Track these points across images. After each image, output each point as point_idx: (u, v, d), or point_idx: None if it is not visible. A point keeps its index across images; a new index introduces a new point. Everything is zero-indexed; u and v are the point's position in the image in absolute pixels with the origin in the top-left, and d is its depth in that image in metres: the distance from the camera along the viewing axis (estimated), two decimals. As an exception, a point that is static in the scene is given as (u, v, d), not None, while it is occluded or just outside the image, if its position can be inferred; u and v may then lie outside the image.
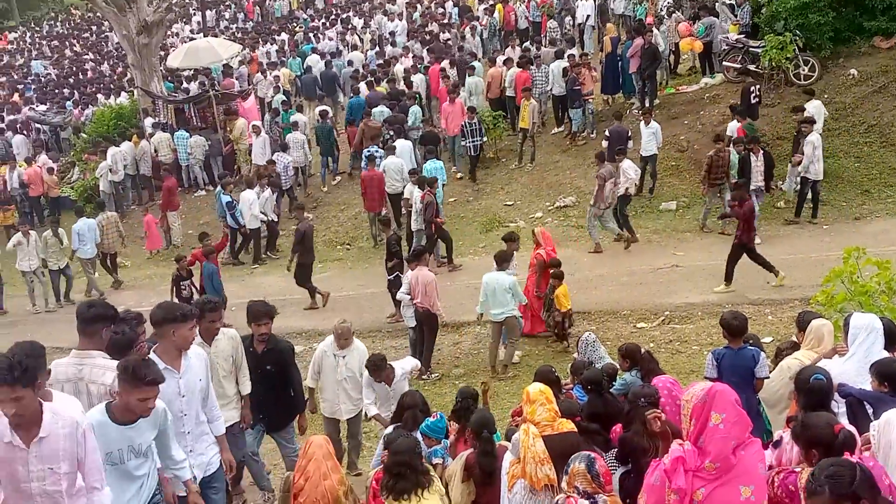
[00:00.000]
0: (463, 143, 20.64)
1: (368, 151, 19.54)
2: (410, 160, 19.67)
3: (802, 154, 16.06)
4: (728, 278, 14.17)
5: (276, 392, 8.60)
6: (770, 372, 7.81)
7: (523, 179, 20.51)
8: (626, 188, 16.82)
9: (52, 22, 53.88)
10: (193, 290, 15.42)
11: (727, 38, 20.50)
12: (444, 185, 18.96)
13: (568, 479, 5.15)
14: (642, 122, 18.28)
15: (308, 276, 16.52)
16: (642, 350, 9.07)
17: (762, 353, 8.07)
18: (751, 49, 19.92)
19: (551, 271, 13.41)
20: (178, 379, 6.39)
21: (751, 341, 8.28)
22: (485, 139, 20.76)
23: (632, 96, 21.45)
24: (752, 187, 15.62)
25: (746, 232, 13.95)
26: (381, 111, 21.60)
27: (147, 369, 5.47)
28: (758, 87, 18.88)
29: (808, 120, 16.55)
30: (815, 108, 17.44)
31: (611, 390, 8.32)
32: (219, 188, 19.83)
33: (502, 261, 13.01)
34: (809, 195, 16.66)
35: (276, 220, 19.76)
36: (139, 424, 5.59)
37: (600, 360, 9.52)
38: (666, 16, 22.44)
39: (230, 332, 7.85)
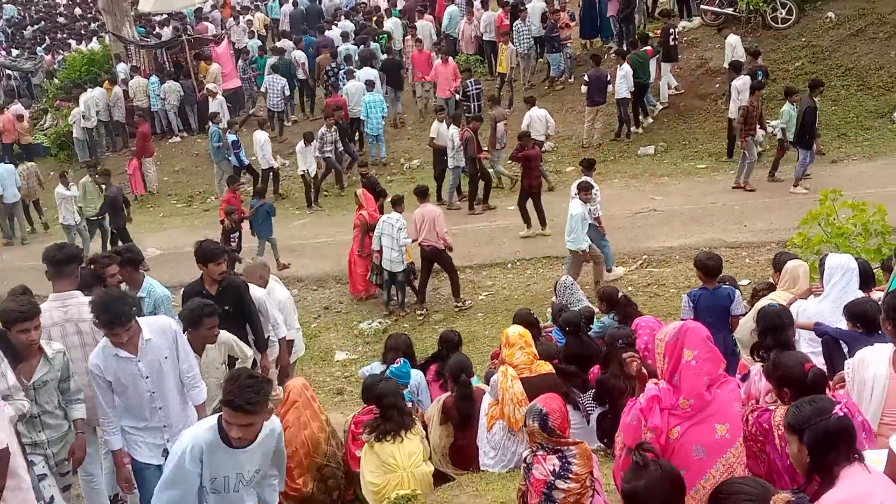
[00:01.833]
0: (466, 104, 19.50)
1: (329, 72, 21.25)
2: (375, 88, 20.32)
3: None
4: (527, 221, 15.23)
5: (238, 333, 7.48)
6: (747, 312, 7.90)
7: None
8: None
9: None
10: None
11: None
12: (383, 116, 19.92)
13: (528, 438, 5.19)
14: (617, 66, 18.21)
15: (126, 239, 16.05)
16: (620, 294, 9.14)
17: (737, 291, 8.16)
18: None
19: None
20: (137, 362, 5.83)
21: (727, 282, 8.36)
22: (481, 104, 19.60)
23: (610, 40, 21.32)
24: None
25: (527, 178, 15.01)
26: (347, 48, 22.13)
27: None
28: (675, 29, 19.14)
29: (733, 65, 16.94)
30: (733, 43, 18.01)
31: (588, 332, 8.39)
32: (214, 127, 19.19)
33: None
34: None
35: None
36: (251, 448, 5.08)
37: (578, 303, 9.59)
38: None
39: (221, 336, 6.93)
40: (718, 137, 17.79)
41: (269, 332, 7.98)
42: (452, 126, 16.71)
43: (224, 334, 6.98)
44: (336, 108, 19.26)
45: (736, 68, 16.80)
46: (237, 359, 7.00)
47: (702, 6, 20.51)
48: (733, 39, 18.23)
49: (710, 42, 19.87)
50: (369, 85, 19.84)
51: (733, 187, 15.74)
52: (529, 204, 15.23)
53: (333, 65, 21.67)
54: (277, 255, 15.61)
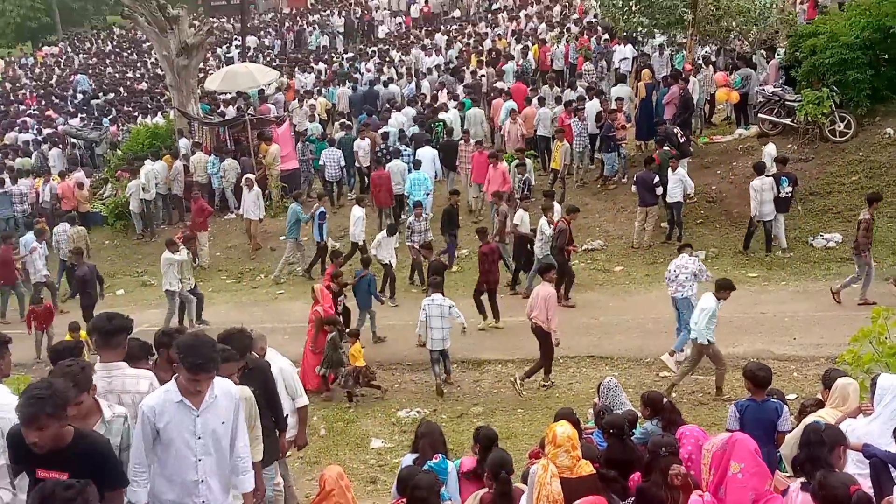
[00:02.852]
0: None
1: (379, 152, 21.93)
2: (432, 167, 21.31)
3: None
4: (482, 313, 15.83)
5: (260, 414, 7.12)
6: (793, 428, 7.71)
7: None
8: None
9: (94, 39, 54.65)
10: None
11: (763, 90, 20.52)
12: (427, 194, 20.28)
13: None
14: (669, 169, 18.27)
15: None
16: (665, 399, 8.98)
17: (785, 406, 7.98)
18: (787, 102, 19.91)
19: (328, 328, 13.77)
20: (196, 416, 5.52)
21: (774, 395, 8.19)
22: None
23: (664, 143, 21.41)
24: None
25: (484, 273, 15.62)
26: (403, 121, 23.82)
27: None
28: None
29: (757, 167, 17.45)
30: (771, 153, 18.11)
31: (631, 438, 8.23)
32: (296, 205, 19.88)
33: None
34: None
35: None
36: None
37: (621, 406, 9.43)
38: (703, 65, 22.46)
39: (242, 392, 6.33)
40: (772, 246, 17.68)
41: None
42: (543, 217, 16.79)
43: (246, 391, 6.76)
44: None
45: (759, 170, 17.16)
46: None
47: (759, 115, 20.60)
48: (771, 148, 18.29)
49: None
50: (417, 164, 20.52)
51: (859, 303, 14.68)
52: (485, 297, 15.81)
53: (384, 145, 22.20)
54: (375, 327, 15.75)
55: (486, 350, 15.03)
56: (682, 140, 19.39)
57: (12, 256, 18.68)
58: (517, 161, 19.81)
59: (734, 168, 19.70)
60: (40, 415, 4.82)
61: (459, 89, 26.41)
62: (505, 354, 14.78)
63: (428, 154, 21.37)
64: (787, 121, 19.99)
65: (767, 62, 21.90)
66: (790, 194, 17.26)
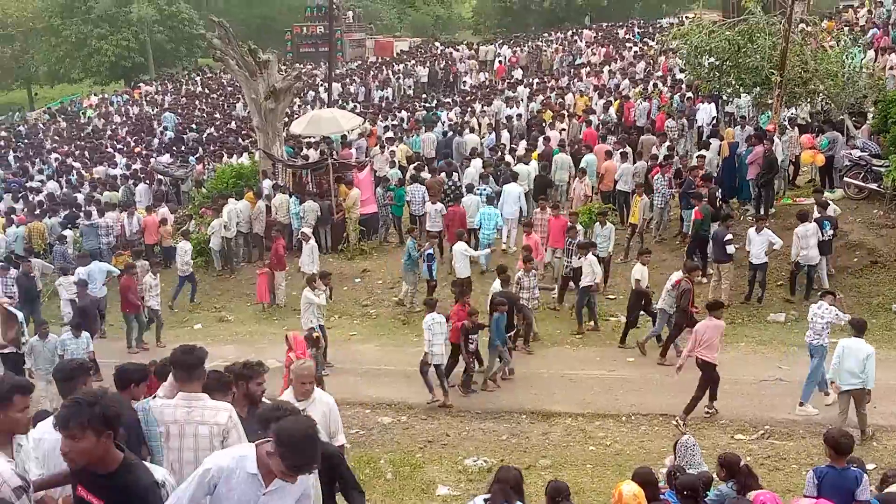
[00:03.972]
0: (558, 259, 19.88)
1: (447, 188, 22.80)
2: (516, 202, 21.72)
3: None
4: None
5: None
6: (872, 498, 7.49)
7: (627, 275, 20.30)
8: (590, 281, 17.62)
9: (185, 79, 56.34)
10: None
11: (850, 153, 20.20)
12: (497, 229, 21.09)
13: None
14: (753, 229, 18.05)
15: None
16: (741, 462, 8.78)
17: (865, 475, 7.76)
18: (874, 167, 19.56)
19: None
20: (261, 494, 5.09)
21: (855, 463, 7.97)
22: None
23: (747, 202, 21.23)
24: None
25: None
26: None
27: None
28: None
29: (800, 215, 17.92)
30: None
31: (705, 500, 8.07)
32: (412, 241, 20.38)
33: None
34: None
35: None
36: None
37: (697, 467, 9.25)
38: (788, 126, 22.22)
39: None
40: (854, 312, 17.23)
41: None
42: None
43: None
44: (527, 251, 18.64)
45: (802, 217, 17.53)
46: None
47: (845, 178, 20.26)
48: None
49: (852, 215, 19.51)
50: (489, 200, 21.18)
51: None
52: None
53: (450, 182, 22.90)
54: (508, 365, 15.64)
55: (556, 402, 14.90)
56: (719, 205, 19.67)
57: (136, 285, 19.25)
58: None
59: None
60: (72, 421, 4.61)
61: (540, 141, 26.50)
62: (575, 408, 14.62)
63: (514, 190, 21.82)
64: (874, 186, 19.62)
65: (855, 126, 21.59)
66: (832, 237, 17.87)
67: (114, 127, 44.20)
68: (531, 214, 21.62)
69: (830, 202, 18.80)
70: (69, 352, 15.39)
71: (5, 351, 15.91)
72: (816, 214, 17.82)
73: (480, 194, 21.74)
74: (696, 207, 19.15)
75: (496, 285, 16.67)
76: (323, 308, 17.27)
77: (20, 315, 16.63)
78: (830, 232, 17.74)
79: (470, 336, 15.15)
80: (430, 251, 19.95)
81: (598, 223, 19.81)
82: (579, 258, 18.13)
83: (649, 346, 16.83)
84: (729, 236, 18.12)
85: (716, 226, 18.87)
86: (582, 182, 22.27)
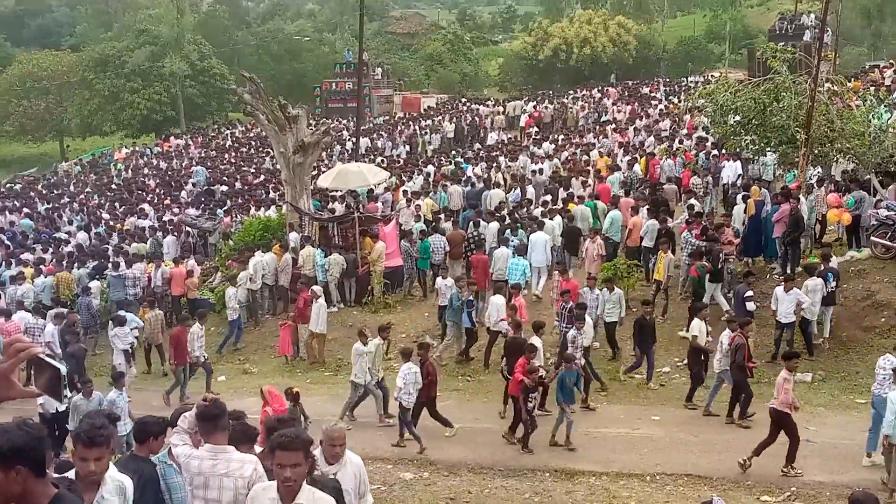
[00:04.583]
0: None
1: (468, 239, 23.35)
2: (543, 251, 22.08)
3: None
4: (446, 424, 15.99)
5: None
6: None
7: (668, 333, 20.14)
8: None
9: (215, 133, 57.12)
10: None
11: (877, 213, 20.11)
12: (526, 280, 21.23)
13: None
14: (781, 288, 17.93)
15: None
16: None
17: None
18: (901, 227, 19.45)
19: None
20: None
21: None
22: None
23: (773, 261, 21.13)
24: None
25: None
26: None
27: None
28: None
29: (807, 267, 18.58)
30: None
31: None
32: (455, 290, 20.30)
33: None
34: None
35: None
36: None
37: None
38: (815, 185, 22.17)
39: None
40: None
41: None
42: (727, 330, 16.31)
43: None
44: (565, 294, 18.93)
45: (810, 271, 18.12)
46: None
47: (872, 237, 20.14)
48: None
49: (879, 274, 19.36)
50: (519, 250, 21.53)
51: None
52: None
53: (475, 232, 23.47)
54: (571, 432, 15.42)
55: (579, 460, 14.76)
56: (720, 264, 19.64)
57: (187, 337, 19.31)
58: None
59: (844, 290, 19.17)
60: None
61: (564, 196, 26.61)
62: (599, 467, 14.47)
63: (541, 239, 22.17)
64: (901, 245, 19.48)
65: (882, 185, 21.52)
66: (835, 288, 18.17)
67: (143, 179, 44.79)
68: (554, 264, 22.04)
69: (833, 255, 19.19)
70: (119, 409, 14.62)
71: (42, 410, 14.74)
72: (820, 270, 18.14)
73: (510, 246, 21.99)
74: (693, 265, 19.44)
75: (534, 341, 16.31)
76: (377, 359, 17.03)
77: (63, 368, 16.36)
78: (833, 283, 18.07)
79: (530, 395, 14.96)
80: (471, 298, 19.97)
81: (605, 289, 19.34)
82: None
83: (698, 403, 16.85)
84: (749, 293, 18.07)
85: (713, 283, 19.37)
86: (594, 242, 21.90)
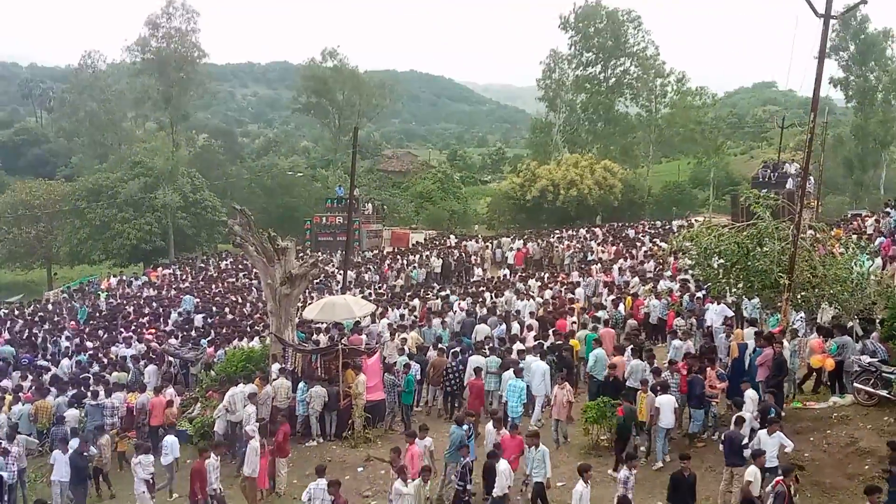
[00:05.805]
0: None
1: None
2: (541, 380, 22.35)
3: None
4: None
5: None
6: None
7: (637, 474, 19.83)
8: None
9: (204, 264, 57.36)
10: None
11: (860, 359, 20.17)
12: (523, 402, 21.46)
13: None
14: (765, 431, 17.76)
15: None
16: None
17: None
18: (884, 374, 19.49)
19: None
20: None
21: None
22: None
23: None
24: None
25: None
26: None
27: None
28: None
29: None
30: None
31: None
32: (460, 431, 19.19)
33: None
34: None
35: None
36: None
37: None
38: (799, 332, 22.26)
39: None
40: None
41: None
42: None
43: None
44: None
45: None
46: None
47: (856, 384, 20.13)
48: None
49: (863, 421, 19.26)
50: (518, 371, 21.70)
51: None
52: None
53: (453, 364, 24.05)
54: None
55: None
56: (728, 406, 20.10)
57: (206, 469, 18.76)
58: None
59: (828, 436, 19.04)
60: None
61: (550, 333, 26.64)
62: None
63: (539, 368, 22.40)
64: (884, 392, 19.47)
65: (864, 331, 21.64)
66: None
67: (130, 308, 44.72)
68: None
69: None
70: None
71: None
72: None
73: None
74: (621, 405, 19.78)
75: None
76: (419, 499, 16.60)
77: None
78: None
79: None
80: (468, 426, 19.45)
81: (531, 446, 17.98)
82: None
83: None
84: (746, 440, 17.82)
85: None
86: (563, 388, 21.46)
